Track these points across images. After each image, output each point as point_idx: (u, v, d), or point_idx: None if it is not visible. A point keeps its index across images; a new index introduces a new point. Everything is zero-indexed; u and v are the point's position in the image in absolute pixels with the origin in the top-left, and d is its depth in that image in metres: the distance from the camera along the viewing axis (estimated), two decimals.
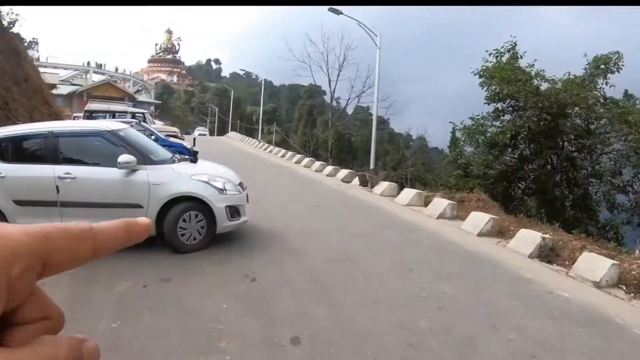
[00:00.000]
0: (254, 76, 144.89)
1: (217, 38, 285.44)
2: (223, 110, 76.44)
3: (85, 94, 54.96)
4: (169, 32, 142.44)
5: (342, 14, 19.65)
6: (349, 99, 31.89)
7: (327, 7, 19.42)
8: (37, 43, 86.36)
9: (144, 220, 0.41)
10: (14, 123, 12.36)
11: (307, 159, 23.20)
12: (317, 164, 21.50)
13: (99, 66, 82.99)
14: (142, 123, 16.25)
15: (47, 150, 6.23)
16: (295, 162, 23.46)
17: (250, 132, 62.17)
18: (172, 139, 16.53)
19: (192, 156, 8.04)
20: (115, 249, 0.39)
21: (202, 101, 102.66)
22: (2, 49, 17.13)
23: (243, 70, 59.51)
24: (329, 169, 19.96)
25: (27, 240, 0.32)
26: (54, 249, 0.34)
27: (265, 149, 30.12)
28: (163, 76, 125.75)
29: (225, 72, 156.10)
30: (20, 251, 0.31)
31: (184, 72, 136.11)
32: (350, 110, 34.84)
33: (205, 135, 57.54)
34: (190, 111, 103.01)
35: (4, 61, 16.79)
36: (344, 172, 18.51)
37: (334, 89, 31.63)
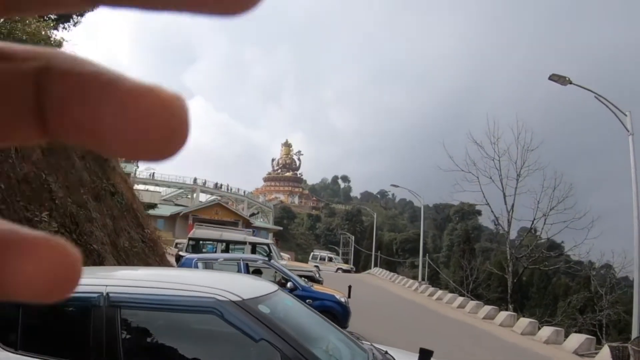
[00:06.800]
0: (390, 195, 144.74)
1: (345, 148, 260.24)
2: (356, 239, 73.65)
3: (191, 216, 53.16)
4: (288, 145, 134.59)
5: (571, 83, 16.73)
6: (534, 219, 27.53)
7: (550, 74, 16.49)
8: None
9: None
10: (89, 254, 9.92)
11: (504, 315, 19.17)
12: (525, 322, 17.69)
13: (218, 187, 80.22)
14: (272, 262, 12.55)
15: (95, 333, 3.42)
16: (484, 319, 19.75)
17: (391, 266, 57.13)
18: (315, 287, 12.32)
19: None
20: None
21: (329, 227, 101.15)
22: (81, 153, 15.57)
23: (395, 185, 57.91)
24: (546, 332, 16.26)
25: None
26: None
27: (431, 295, 26.45)
28: (282, 197, 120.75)
29: (356, 192, 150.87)
30: None
31: (306, 192, 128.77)
32: (513, 234, 30.70)
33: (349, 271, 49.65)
34: (316, 239, 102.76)
35: (81, 168, 15.01)
36: (577, 340, 15.05)
37: (512, 206, 27.43)
